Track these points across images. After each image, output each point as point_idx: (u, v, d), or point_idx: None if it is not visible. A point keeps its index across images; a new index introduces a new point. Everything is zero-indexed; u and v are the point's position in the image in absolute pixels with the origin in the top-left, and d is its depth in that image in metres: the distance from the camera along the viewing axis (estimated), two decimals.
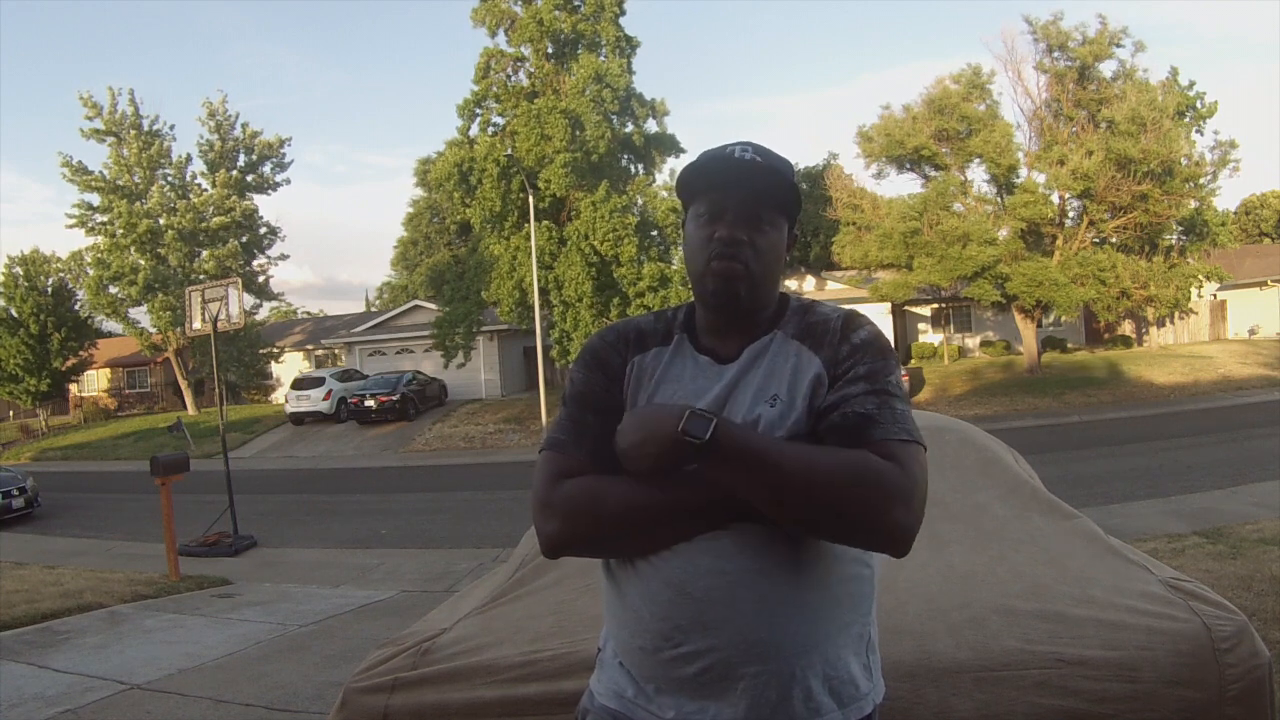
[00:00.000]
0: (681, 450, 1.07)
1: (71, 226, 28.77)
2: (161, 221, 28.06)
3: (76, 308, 31.23)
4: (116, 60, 76.46)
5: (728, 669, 1.09)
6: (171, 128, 29.31)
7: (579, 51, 23.37)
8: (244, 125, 29.73)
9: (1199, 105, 20.91)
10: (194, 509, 10.15)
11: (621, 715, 1.18)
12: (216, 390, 12.73)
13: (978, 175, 23.36)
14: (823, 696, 1.11)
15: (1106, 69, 21.62)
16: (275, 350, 32.37)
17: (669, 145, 24.81)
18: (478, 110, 24.49)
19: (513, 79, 24.75)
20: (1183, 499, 7.91)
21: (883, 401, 1.13)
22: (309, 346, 35.70)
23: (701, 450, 1.06)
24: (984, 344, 29.71)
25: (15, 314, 29.35)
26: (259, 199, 30.57)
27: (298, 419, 25.48)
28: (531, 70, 24.46)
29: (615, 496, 1.13)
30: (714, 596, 1.09)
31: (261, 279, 30.86)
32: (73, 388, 34.96)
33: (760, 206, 1.21)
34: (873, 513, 1.04)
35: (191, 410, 30.57)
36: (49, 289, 30.31)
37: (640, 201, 23.68)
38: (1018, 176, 22.32)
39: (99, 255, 28.58)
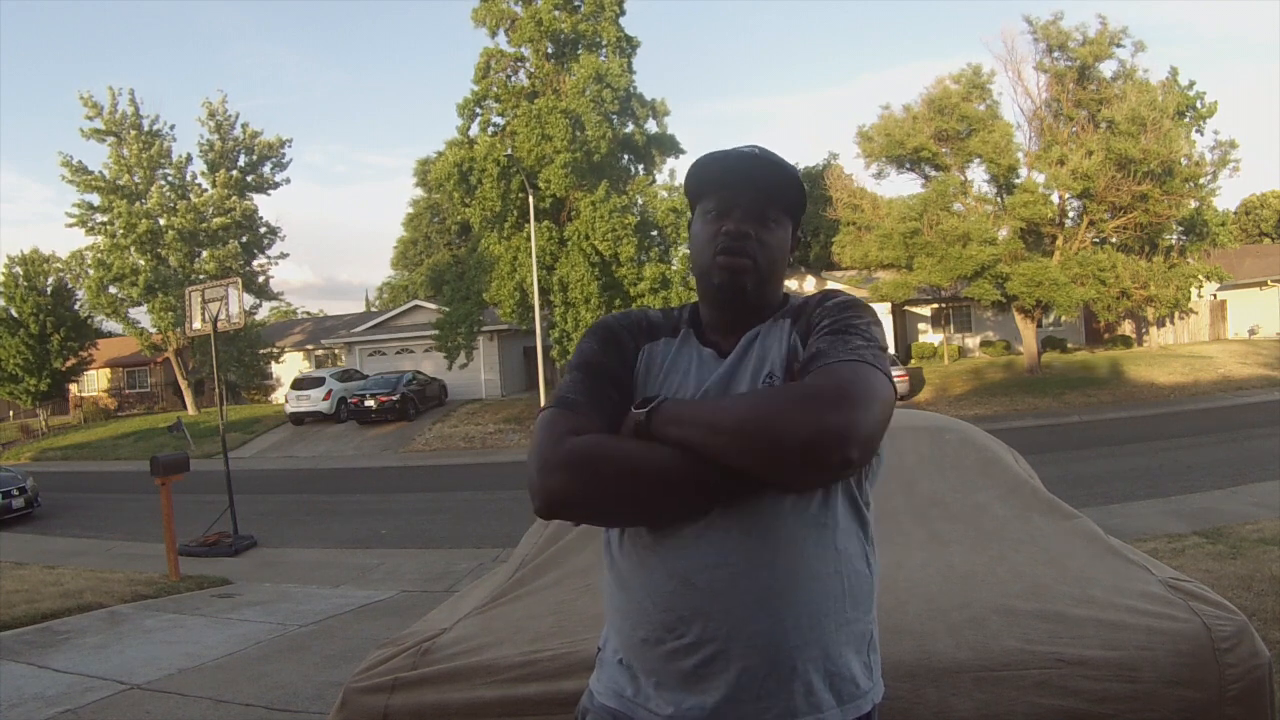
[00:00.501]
0: (636, 422, 1.13)
1: (71, 226, 28.84)
2: (161, 222, 28.09)
3: (76, 308, 31.25)
4: (116, 60, 76.53)
5: (727, 661, 1.10)
6: (171, 128, 29.39)
7: (579, 51, 23.37)
8: (244, 125, 29.85)
9: (1199, 105, 20.93)
10: (194, 509, 10.15)
11: (621, 714, 1.18)
12: (216, 390, 12.73)
13: (978, 175, 23.44)
14: (823, 692, 1.11)
15: (1106, 69, 21.67)
16: (275, 350, 32.38)
17: (669, 145, 24.81)
18: (478, 110, 24.49)
19: (513, 79, 24.76)
20: (1183, 499, 7.91)
21: (837, 338, 1.14)
22: (309, 346, 35.71)
23: (649, 415, 1.12)
24: (984, 344, 29.72)
25: (15, 314, 29.35)
26: (259, 199, 30.68)
27: (298, 419, 25.48)
28: (531, 70, 24.46)
29: (621, 453, 1.13)
30: (717, 588, 1.10)
31: (261, 279, 30.88)
32: (73, 388, 34.96)
33: (768, 204, 1.24)
34: (799, 422, 1.02)
35: (191, 410, 30.58)
36: (49, 289, 30.32)
37: (640, 201, 23.68)
38: (1018, 176, 22.33)
39: (99, 256, 28.59)
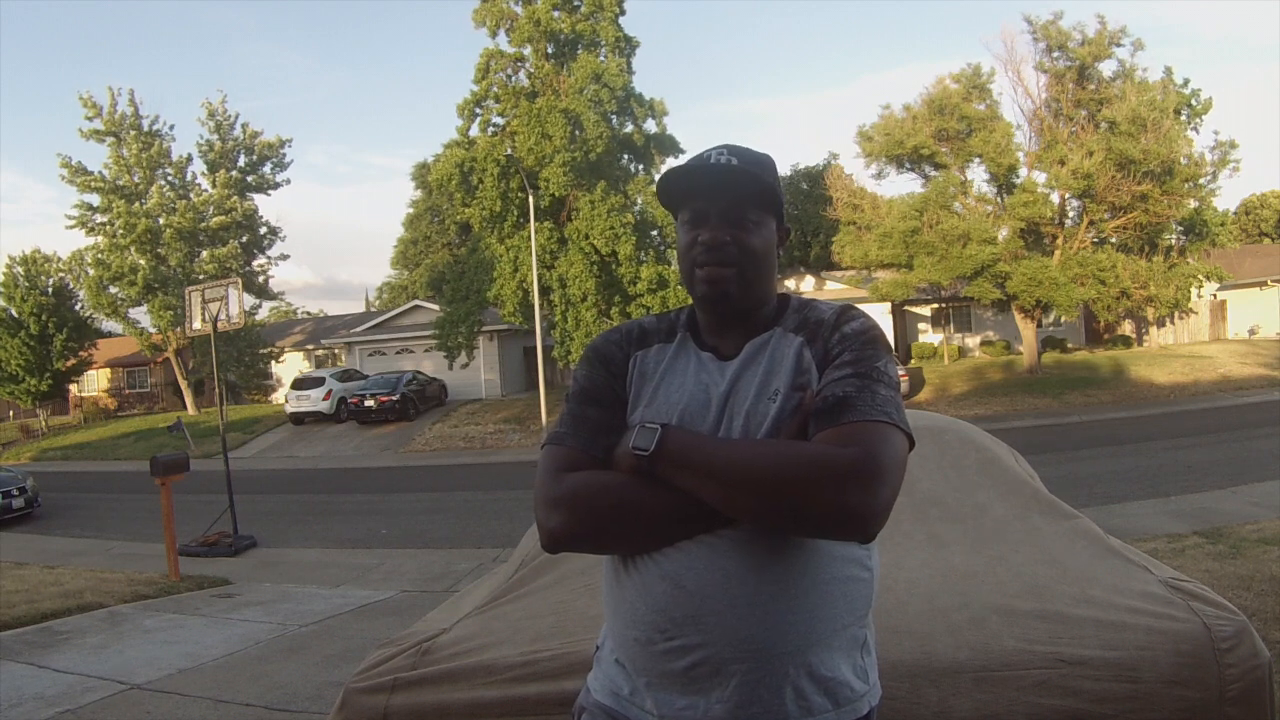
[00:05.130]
0: (636, 463, 1.12)
1: (71, 227, 28.88)
2: (161, 221, 28.08)
3: (77, 308, 31.24)
4: (116, 60, 76.59)
5: (719, 665, 1.10)
6: (171, 128, 29.45)
7: (578, 51, 23.38)
8: (244, 125, 29.88)
9: (1194, 103, 20.92)
10: (194, 509, 10.15)
11: (616, 712, 1.19)
12: (216, 390, 12.73)
13: (978, 175, 23.43)
14: (815, 696, 1.11)
15: (1106, 69, 21.66)
16: (275, 350, 32.39)
17: (668, 145, 24.81)
18: (478, 110, 24.49)
19: (513, 79, 24.76)
20: (1183, 499, 7.91)
21: (864, 385, 1.12)
22: (309, 346, 35.70)
23: (652, 461, 1.11)
24: (984, 344, 29.71)
25: (15, 314, 29.33)
26: (259, 199, 30.69)
27: (298, 419, 25.47)
28: (531, 70, 24.47)
29: (616, 492, 1.14)
30: (708, 591, 1.10)
31: (261, 279, 30.89)
32: (73, 388, 34.93)
33: (743, 208, 1.22)
34: (820, 498, 1.02)
35: (191, 410, 30.57)
36: (49, 289, 30.30)
37: (639, 201, 23.69)
38: (1018, 176, 22.34)
39: (99, 255, 28.58)
